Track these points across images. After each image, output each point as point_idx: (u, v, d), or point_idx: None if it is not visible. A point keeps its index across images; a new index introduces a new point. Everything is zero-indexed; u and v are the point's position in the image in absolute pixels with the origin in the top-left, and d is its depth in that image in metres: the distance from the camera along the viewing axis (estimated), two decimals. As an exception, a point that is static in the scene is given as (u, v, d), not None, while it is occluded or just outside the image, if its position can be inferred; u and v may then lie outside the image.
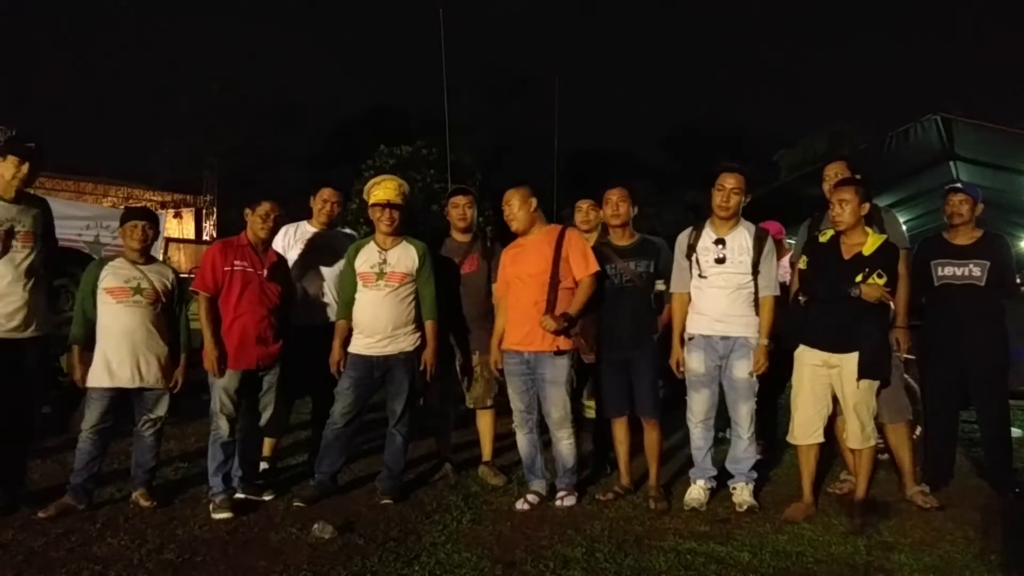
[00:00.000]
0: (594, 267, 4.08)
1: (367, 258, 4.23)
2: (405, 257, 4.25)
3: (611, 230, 4.37)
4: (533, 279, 4.08)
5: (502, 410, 4.59)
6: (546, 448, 4.36)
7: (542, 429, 4.29)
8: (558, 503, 4.09)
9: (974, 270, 4.33)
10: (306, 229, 4.72)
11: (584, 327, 4.06)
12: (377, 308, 4.17)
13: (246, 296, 4.04)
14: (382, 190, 4.25)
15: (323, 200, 4.72)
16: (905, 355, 4.31)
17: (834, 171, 4.38)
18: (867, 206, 3.94)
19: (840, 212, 3.91)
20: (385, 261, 4.20)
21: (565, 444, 4.18)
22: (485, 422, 4.68)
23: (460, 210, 4.65)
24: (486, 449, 4.68)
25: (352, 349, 4.23)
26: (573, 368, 4.11)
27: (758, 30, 65.38)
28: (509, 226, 4.25)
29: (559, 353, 4.05)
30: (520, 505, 4.03)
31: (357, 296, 4.22)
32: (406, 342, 4.23)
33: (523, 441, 4.25)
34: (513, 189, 4.22)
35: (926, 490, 4.19)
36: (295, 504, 4.05)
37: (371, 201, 4.28)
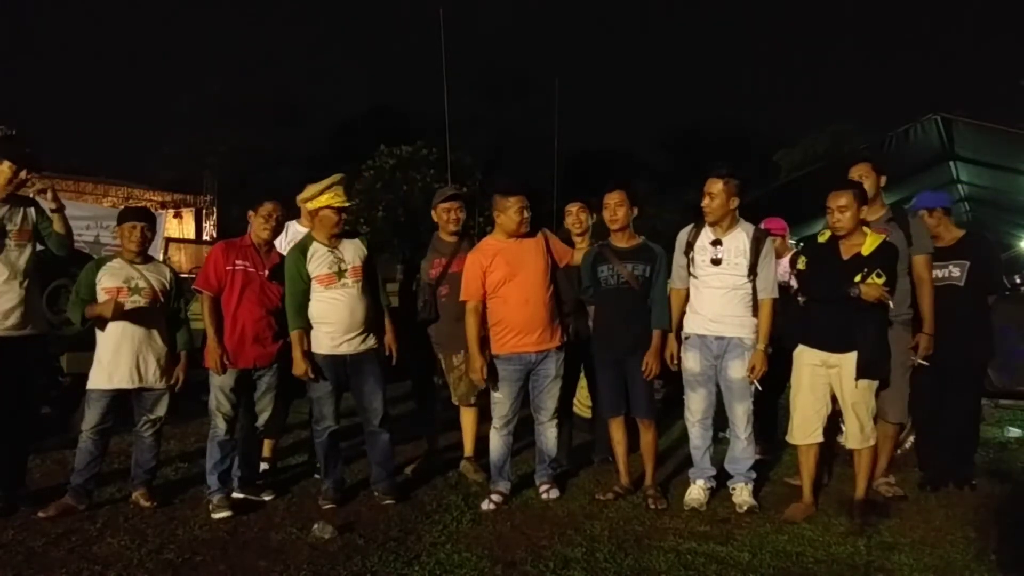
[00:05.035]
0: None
1: (320, 261, 4.11)
2: (357, 250, 4.22)
3: (612, 232, 4.36)
4: (542, 278, 4.18)
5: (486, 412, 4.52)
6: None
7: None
8: (544, 496, 4.19)
9: (953, 271, 4.37)
10: (298, 229, 4.63)
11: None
12: (353, 305, 4.10)
13: (246, 296, 4.04)
14: (333, 196, 4.10)
15: None
16: (920, 360, 4.22)
17: (858, 172, 4.30)
18: (865, 209, 3.92)
19: (839, 219, 3.89)
20: (342, 259, 4.15)
21: (553, 434, 4.31)
22: (468, 420, 4.73)
23: (452, 214, 4.67)
24: (468, 445, 4.74)
25: (321, 351, 4.10)
26: None
27: (759, 30, 65.41)
28: (516, 228, 4.16)
29: (560, 348, 4.21)
30: (486, 505, 4.06)
31: (319, 298, 4.10)
32: (373, 339, 4.22)
33: (499, 443, 4.26)
34: (520, 194, 4.19)
35: (891, 480, 4.30)
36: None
37: (319, 205, 4.11)
